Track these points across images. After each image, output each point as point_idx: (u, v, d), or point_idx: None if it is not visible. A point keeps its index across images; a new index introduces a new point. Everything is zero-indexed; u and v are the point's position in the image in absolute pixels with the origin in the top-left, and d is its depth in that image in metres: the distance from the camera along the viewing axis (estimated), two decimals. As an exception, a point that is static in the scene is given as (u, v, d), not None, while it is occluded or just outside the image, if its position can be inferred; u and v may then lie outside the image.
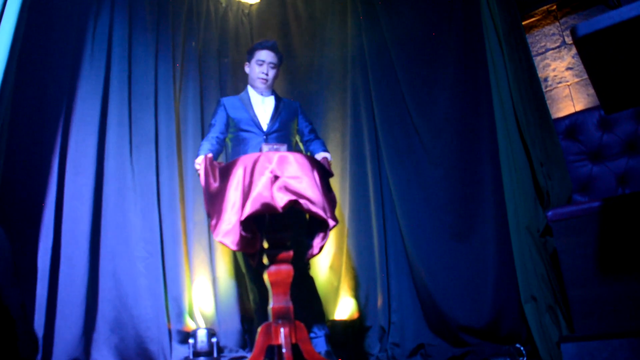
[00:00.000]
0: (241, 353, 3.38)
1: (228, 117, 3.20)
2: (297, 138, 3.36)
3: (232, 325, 3.45)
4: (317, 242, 2.52)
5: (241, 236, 2.38)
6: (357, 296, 3.62)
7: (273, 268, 2.48)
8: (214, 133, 3.17)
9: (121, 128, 3.37)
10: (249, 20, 4.30)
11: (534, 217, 2.72)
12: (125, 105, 3.42)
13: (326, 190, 2.55)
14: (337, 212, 3.74)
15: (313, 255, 2.56)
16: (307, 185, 2.38)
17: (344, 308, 3.59)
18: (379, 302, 3.50)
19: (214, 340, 3.19)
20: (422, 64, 3.64)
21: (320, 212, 2.38)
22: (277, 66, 3.31)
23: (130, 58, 3.55)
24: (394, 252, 3.56)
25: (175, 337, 3.22)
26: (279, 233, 2.53)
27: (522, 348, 2.73)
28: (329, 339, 3.06)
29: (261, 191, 2.34)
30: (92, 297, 3.04)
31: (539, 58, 3.51)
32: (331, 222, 2.43)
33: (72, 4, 3.34)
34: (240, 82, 3.84)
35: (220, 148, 3.15)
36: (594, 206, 2.36)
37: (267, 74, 3.25)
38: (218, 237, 2.43)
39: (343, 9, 4.16)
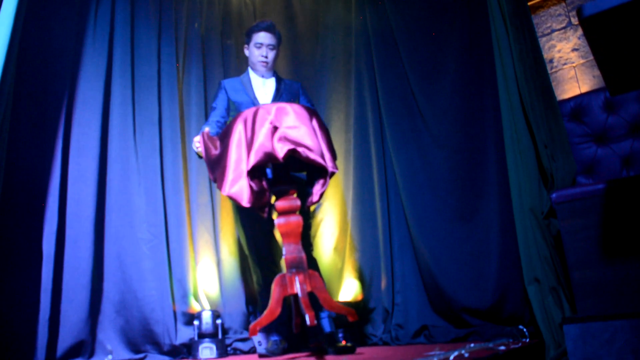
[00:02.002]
0: (246, 334, 3.41)
1: (229, 100, 3.20)
2: None
3: (237, 306, 3.48)
4: (317, 189, 2.54)
5: (250, 190, 2.41)
6: (361, 278, 3.63)
7: (282, 219, 2.51)
8: (215, 117, 3.17)
9: (124, 110, 3.36)
10: (252, 2, 4.27)
11: (537, 199, 2.71)
12: (128, 88, 3.41)
13: (326, 139, 2.56)
14: (340, 194, 3.79)
15: (313, 203, 2.58)
16: (305, 133, 2.41)
17: (347, 290, 3.60)
18: (383, 283, 3.52)
19: (218, 321, 3.22)
20: (426, 46, 3.61)
21: (318, 159, 2.40)
22: (276, 47, 3.27)
23: (133, 40, 3.53)
24: (397, 234, 3.56)
25: (180, 318, 3.24)
26: (285, 185, 2.56)
27: (524, 329, 2.74)
28: (332, 320, 3.08)
29: (263, 142, 2.38)
30: (97, 279, 3.06)
31: (544, 39, 3.48)
32: (330, 168, 2.46)
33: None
34: (244, 63, 3.81)
35: (220, 131, 3.15)
36: (598, 188, 2.36)
37: (266, 57, 3.22)
38: (225, 191, 2.46)
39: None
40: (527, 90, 2.82)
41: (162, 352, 3.12)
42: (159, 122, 3.50)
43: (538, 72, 2.90)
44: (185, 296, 3.29)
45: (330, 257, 3.71)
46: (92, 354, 2.96)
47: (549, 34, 3.48)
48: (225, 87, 3.24)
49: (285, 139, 2.39)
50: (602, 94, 3.06)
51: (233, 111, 3.19)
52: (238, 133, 2.48)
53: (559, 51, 3.42)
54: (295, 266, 2.44)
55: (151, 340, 3.12)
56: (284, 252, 2.49)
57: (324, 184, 2.52)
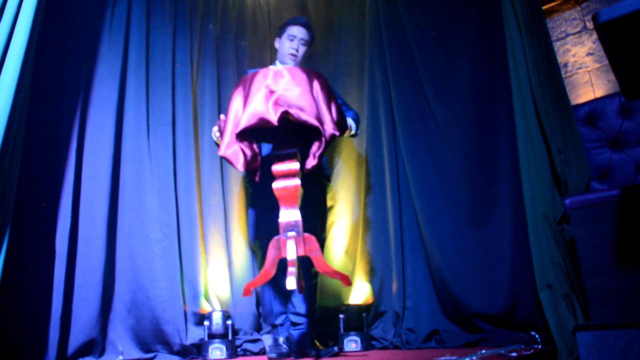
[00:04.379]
0: (256, 335, 3.42)
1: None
2: None
3: (247, 308, 3.48)
4: (313, 150, 2.48)
5: (244, 154, 2.41)
6: (371, 281, 3.62)
7: (280, 183, 2.48)
8: None
9: (139, 110, 3.38)
10: (267, 3, 4.29)
11: (551, 205, 2.70)
12: (142, 88, 3.43)
13: (327, 101, 2.50)
14: (352, 197, 3.78)
15: (312, 166, 2.50)
16: (298, 94, 2.38)
17: (358, 293, 3.60)
18: (394, 287, 3.51)
19: (229, 322, 3.22)
20: (440, 49, 3.61)
21: (311, 120, 2.36)
22: (308, 44, 3.30)
23: (148, 40, 3.54)
24: (409, 237, 3.55)
25: (190, 319, 3.24)
26: (283, 148, 2.53)
27: (537, 336, 2.73)
28: (312, 326, 3.06)
29: (256, 105, 2.36)
30: (109, 278, 3.07)
31: (559, 43, 3.46)
32: (328, 131, 2.40)
33: (90, -15, 3.34)
34: (258, 65, 3.83)
35: None
36: (613, 194, 2.34)
37: (297, 50, 3.23)
38: (221, 152, 2.47)
39: (360, -10, 4.14)
40: (541, 94, 2.80)
41: (172, 352, 3.13)
42: (173, 123, 3.51)
43: (552, 77, 2.88)
44: (196, 296, 3.30)
45: (341, 259, 3.71)
46: (102, 352, 2.97)
47: (563, 38, 3.46)
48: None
49: (279, 101, 2.36)
50: (617, 99, 3.03)
51: None
52: (237, 97, 2.49)
53: (574, 55, 3.40)
54: (291, 229, 2.42)
55: (161, 339, 3.13)
56: (280, 215, 2.46)
57: (319, 146, 2.45)
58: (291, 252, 2.37)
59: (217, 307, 3.37)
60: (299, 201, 2.48)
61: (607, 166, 2.99)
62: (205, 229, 3.51)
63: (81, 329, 2.88)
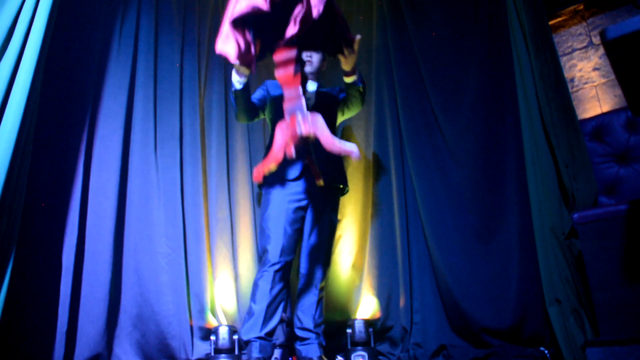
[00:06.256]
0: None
1: (267, 96, 3.19)
2: (342, 107, 3.25)
3: (254, 322, 3.47)
4: (294, 14, 2.38)
5: (238, 46, 2.39)
6: (379, 295, 3.60)
7: (281, 70, 2.45)
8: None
9: (146, 124, 3.40)
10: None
11: (558, 219, 2.69)
12: (150, 102, 3.45)
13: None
14: (359, 211, 3.78)
15: (292, 35, 2.38)
16: None
17: (365, 307, 3.58)
18: (401, 302, 3.49)
19: (235, 337, 3.21)
20: (447, 63, 3.62)
21: None
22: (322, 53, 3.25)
23: (156, 54, 3.58)
24: (416, 251, 3.54)
25: (196, 333, 3.24)
26: (281, 36, 2.46)
27: (545, 351, 2.71)
28: (322, 347, 3.00)
29: None
30: (115, 292, 3.07)
31: (565, 58, 3.47)
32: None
33: (100, 1, 3.38)
34: (265, 78, 3.84)
35: (251, 104, 3.10)
36: (621, 209, 2.33)
37: (311, 57, 3.19)
38: (217, 49, 2.45)
39: (368, 8, 4.16)
40: (548, 109, 2.81)
41: (178, 367, 3.13)
42: (180, 137, 3.53)
43: (559, 91, 2.89)
44: (202, 311, 3.30)
45: (348, 274, 3.70)
46: (108, 367, 2.97)
47: (569, 53, 3.47)
48: (267, 84, 3.24)
49: None
50: (623, 114, 3.03)
51: (271, 106, 3.17)
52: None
53: (580, 70, 3.40)
54: (295, 109, 2.41)
55: (167, 354, 3.12)
56: (284, 97, 2.45)
57: (301, 10, 2.36)
58: (300, 126, 2.36)
59: (224, 321, 3.36)
60: (300, 84, 2.47)
61: (614, 180, 2.98)
62: (212, 242, 3.51)
63: (86, 343, 2.88)
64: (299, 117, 2.38)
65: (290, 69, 2.44)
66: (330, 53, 2.88)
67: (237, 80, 2.87)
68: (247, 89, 2.91)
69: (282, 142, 2.41)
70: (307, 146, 2.49)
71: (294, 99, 2.44)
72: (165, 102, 3.53)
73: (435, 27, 3.72)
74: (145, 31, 3.54)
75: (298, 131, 2.37)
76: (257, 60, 2.60)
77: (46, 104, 2.88)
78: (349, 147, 2.38)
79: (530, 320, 2.93)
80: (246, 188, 3.71)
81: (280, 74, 2.46)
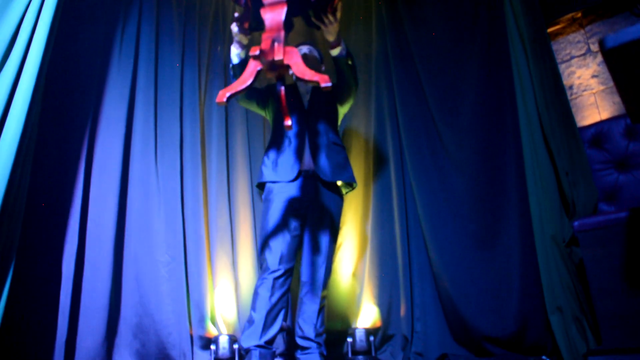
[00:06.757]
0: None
1: (270, 95, 3.21)
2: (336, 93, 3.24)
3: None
4: None
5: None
6: (379, 304, 3.59)
7: (268, 12, 2.35)
8: None
9: (147, 132, 3.40)
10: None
11: (559, 227, 2.69)
12: (151, 110, 3.46)
13: None
14: (359, 219, 3.78)
15: None
16: None
17: (366, 316, 3.57)
18: (402, 310, 3.48)
19: (235, 346, 3.20)
20: (446, 70, 3.63)
21: None
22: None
23: (157, 62, 3.59)
24: (417, 259, 3.53)
25: (196, 342, 3.22)
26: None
27: None
28: (323, 356, 2.98)
29: None
30: (114, 301, 3.06)
31: (564, 65, 3.48)
32: None
33: (101, 8, 3.38)
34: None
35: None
36: (621, 216, 2.33)
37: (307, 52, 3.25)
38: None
39: (367, 12, 4.17)
40: (547, 116, 2.82)
41: (178, 377, 3.11)
42: (180, 145, 3.53)
43: (558, 99, 2.90)
44: (202, 320, 3.28)
45: (348, 282, 3.69)
46: (108, 377, 2.96)
47: (568, 60, 3.48)
48: (270, 87, 3.25)
49: None
50: (622, 121, 3.04)
51: (272, 106, 3.19)
52: None
53: (579, 78, 3.41)
54: (275, 39, 2.27)
55: (168, 364, 3.12)
56: (266, 27, 2.33)
57: None
58: (274, 52, 2.24)
59: (224, 330, 3.35)
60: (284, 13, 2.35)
61: (614, 187, 2.98)
62: (212, 251, 3.50)
63: (86, 354, 2.87)
64: (275, 45, 2.28)
65: (279, 7, 2.35)
66: (312, 23, 2.85)
67: (236, 54, 2.87)
68: (245, 63, 2.79)
69: (254, 68, 2.31)
70: (281, 76, 2.40)
71: (275, 30, 2.32)
72: (165, 110, 3.53)
73: (434, 35, 3.73)
74: (146, 39, 3.55)
75: (270, 57, 2.26)
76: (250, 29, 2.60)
77: (47, 111, 2.88)
78: (320, 76, 2.26)
79: (532, 328, 2.92)
80: (246, 196, 3.71)
81: (267, 15, 2.36)
